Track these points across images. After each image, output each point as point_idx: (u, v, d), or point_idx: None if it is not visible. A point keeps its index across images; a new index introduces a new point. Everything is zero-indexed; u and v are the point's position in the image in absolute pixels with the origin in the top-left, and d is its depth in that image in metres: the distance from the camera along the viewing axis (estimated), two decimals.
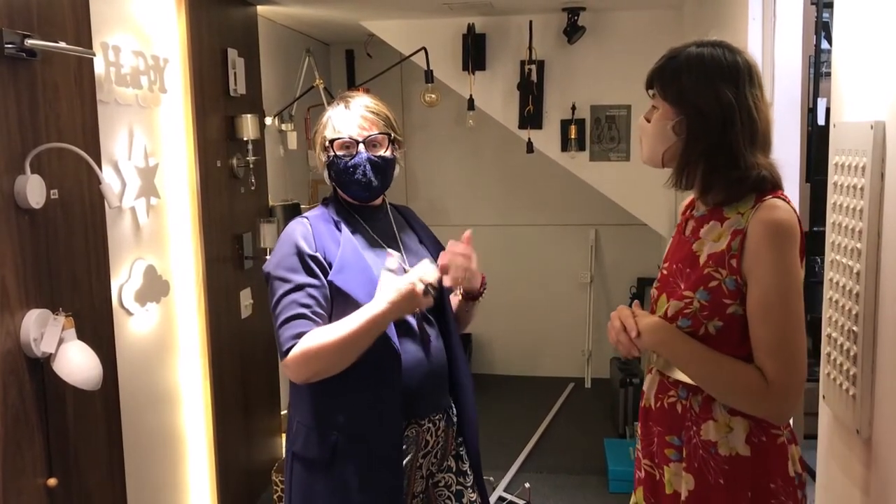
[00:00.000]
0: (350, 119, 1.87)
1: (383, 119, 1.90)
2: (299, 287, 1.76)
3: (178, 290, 3.10)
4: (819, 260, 3.83)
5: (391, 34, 4.42)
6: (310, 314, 1.74)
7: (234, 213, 3.47)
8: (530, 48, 4.25)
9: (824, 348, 1.81)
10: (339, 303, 1.78)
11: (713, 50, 1.54)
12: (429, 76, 4.26)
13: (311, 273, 1.77)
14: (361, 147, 1.86)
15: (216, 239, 3.29)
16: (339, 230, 1.85)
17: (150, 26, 2.87)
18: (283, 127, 4.31)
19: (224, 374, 3.35)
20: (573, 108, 4.35)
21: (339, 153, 1.86)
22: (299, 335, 1.72)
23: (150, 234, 2.87)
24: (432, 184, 5.56)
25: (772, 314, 1.44)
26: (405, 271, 1.85)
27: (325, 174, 1.92)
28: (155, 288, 2.85)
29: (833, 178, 1.77)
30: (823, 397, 1.84)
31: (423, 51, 4.23)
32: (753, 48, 2.74)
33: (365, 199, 1.93)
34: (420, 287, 1.72)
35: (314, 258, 1.78)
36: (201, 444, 3.27)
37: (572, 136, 4.35)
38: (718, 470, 1.52)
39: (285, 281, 1.77)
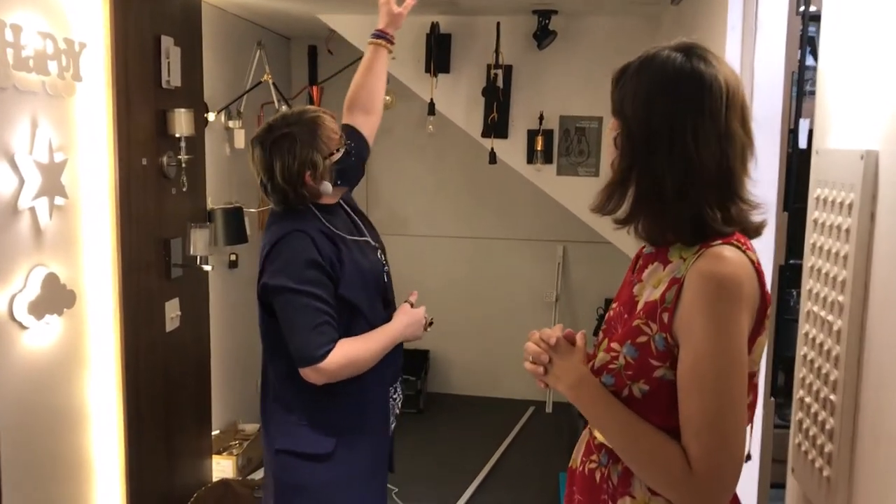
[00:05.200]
0: None
1: None
2: (319, 298, 1.93)
3: (90, 300, 2.79)
4: (794, 293, 3.58)
5: (349, 30, 4.14)
6: (333, 322, 1.94)
7: (161, 217, 3.16)
8: (497, 52, 4.00)
9: (795, 414, 1.54)
10: (344, 313, 1.99)
11: (677, 55, 1.25)
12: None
13: (326, 286, 1.95)
14: None
15: (137, 244, 2.98)
16: (334, 243, 2.00)
17: (65, 6, 2.57)
18: (231, 124, 4.01)
19: (141, 393, 3.04)
20: (541, 117, 4.11)
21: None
22: (333, 340, 1.92)
23: (54, 238, 2.56)
24: (393, 191, 5.28)
25: (702, 387, 1.17)
26: (380, 255, 2.19)
27: (331, 175, 2.04)
28: (56, 298, 2.54)
29: (813, 214, 1.51)
30: (793, 470, 1.57)
31: None
32: (731, 60, 2.51)
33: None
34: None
35: (327, 272, 1.95)
36: (113, 468, 2.96)
37: (539, 148, 4.11)
38: None
39: (304, 293, 1.92)
